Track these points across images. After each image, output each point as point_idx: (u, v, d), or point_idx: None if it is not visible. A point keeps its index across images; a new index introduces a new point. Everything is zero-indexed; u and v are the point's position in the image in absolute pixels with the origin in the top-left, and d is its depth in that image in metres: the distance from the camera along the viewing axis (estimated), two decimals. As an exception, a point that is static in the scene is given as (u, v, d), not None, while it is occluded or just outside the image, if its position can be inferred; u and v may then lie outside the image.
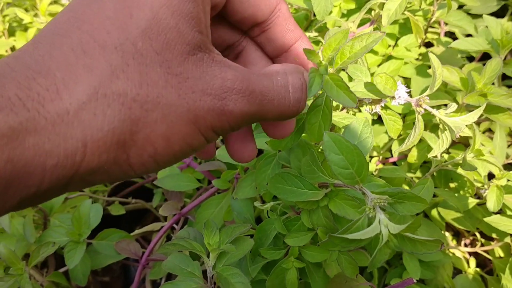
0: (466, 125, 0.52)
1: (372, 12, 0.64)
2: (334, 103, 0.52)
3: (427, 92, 0.46)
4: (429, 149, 0.61)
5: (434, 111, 0.44)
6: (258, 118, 0.29)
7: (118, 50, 0.24)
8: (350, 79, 0.61)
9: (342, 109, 0.54)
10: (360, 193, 0.33)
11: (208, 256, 0.42)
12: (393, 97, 0.45)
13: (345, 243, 0.29)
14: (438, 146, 0.48)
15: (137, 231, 0.67)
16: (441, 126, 0.48)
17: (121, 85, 0.23)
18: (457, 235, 0.73)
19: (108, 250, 0.63)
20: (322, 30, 0.74)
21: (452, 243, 0.69)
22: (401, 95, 0.44)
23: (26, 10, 1.05)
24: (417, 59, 0.73)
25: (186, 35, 0.25)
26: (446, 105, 0.50)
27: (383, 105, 0.46)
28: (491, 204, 0.53)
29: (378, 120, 0.69)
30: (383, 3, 0.60)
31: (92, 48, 0.23)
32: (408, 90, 0.45)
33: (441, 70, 0.45)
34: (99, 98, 0.23)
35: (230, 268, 0.40)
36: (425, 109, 0.45)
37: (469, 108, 0.58)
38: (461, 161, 0.50)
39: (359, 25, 0.65)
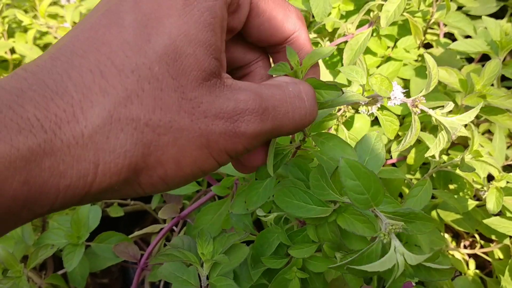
0: (465, 126, 0.52)
1: (371, 14, 0.64)
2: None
3: (423, 92, 0.46)
4: (428, 149, 0.61)
5: (430, 111, 0.44)
6: (274, 134, 0.29)
7: (134, 74, 0.24)
8: (349, 82, 0.61)
9: (338, 110, 0.54)
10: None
11: (202, 266, 0.42)
12: (389, 98, 0.45)
13: (361, 274, 0.28)
14: (435, 146, 0.48)
15: (136, 233, 0.67)
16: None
17: (135, 110, 0.24)
18: (457, 237, 0.72)
19: (107, 252, 0.63)
20: (321, 31, 0.74)
21: (452, 244, 0.69)
22: (396, 95, 0.44)
23: (26, 11, 1.05)
24: (416, 61, 0.73)
25: (203, 62, 0.26)
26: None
27: (379, 106, 0.46)
28: (491, 206, 0.53)
29: (377, 122, 0.69)
30: (382, 5, 0.59)
31: (110, 71, 0.24)
32: (404, 91, 0.45)
33: (436, 70, 0.45)
34: (113, 122, 0.23)
35: (224, 279, 0.40)
36: (421, 110, 0.44)
37: (468, 109, 0.58)
38: (459, 162, 0.50)
39: (358, 26, 0.65)
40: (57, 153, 0.22)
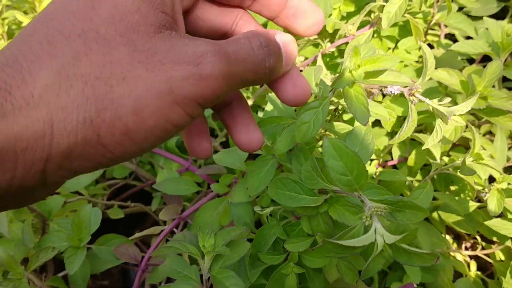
0: (466, 129, 0.52)
1: (372, 15, 0.64)
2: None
3: (419, 81, 0.46)
4: (429, 151, 0.60)
5: (426, 100, 0.44)
6: (239, 80, 0.29)
7: (81, 38, 0.25)
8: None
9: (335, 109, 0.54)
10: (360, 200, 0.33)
11: (203, 259, 0.42)
12: (385, 87, 0.44)
13: (339, 249, 0.29)
14: (433, 137, 0.48)
15: (136, 235, 0.67)
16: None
17: (83, 66, 0.24)
18: (458, 238, 0.72)
19: (107, 255, 0.63)
20: (322, 32, 0.74)
21: (453, 246, 0.69)
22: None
23: (25, 12, 1.04)
24: (417, 62, 0.72)
25: (149, 16, 0.26)
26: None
27: (376, 96, 0.46)
28: (492, 208, 0.53)
29: (378, 123, 0.69)
30: (383, 6, 0.59)
31: (57, 39, 0.25)
32: None
33: (433, 59, 0.45)
34: (61, 80, 0.24)
35: (225, 271, 0.41)
36: (419, 100, 0.44)
37: (470, 111, 0.57)
38: (460, 166, 0.50)
39: (359, 28, 0.65)
40: (9, 116, 0.22)
